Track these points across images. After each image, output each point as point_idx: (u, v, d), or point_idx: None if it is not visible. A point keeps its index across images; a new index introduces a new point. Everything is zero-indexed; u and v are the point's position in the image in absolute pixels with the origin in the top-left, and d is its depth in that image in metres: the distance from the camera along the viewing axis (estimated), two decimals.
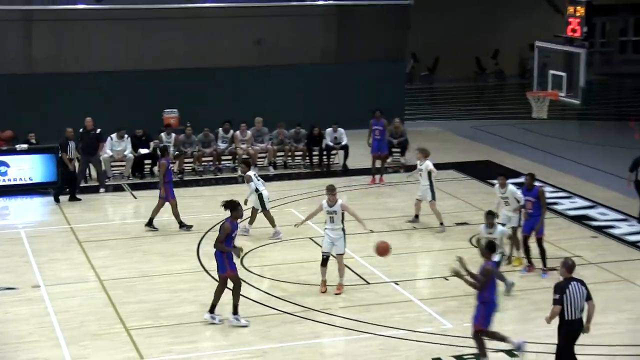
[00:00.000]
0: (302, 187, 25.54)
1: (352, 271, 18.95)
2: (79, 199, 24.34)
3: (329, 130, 28.07)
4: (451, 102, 40.62)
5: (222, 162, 27.74)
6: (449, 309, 17.07)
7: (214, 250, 16.28)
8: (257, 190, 21.00)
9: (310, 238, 21.02)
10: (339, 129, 28.04)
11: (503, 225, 18.39)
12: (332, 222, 17.73)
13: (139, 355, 15.21)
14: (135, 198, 24.88)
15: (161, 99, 30.15)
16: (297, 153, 28.35)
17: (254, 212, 21.22)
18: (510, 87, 44.32)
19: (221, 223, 16.77)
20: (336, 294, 17.75)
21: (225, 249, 16.11)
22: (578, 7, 25.33)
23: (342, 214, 17.78)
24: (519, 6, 43.81)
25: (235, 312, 16.31)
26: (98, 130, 25.53)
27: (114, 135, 26.42)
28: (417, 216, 22.30)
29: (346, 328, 16.21)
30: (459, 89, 43.57)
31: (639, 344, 15.57)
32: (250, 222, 21.27)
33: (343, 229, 17.80)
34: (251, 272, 18.96)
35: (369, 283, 18.37)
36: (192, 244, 20.87)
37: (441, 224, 21.58)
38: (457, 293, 17.76)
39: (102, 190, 25.37)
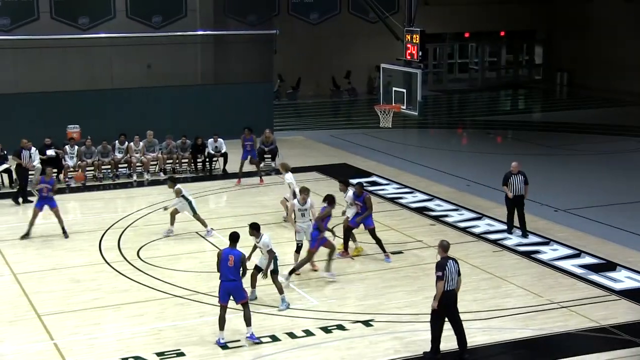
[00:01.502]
0: (189, 190, 25.16)
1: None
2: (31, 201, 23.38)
3: (210, 140, 27.85)
4: (313, 115, 40.78)
5: (119, 169, 27.22)
6: (314, 288, 17.13)
7: (311, 226, 17.52)
8: (186, 198, 20.55)
9: (196, 232, 20.79)
10: (219, 139, 27.85)
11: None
12: (303, 217, 18.03)
13: (50, 337, 14.82)
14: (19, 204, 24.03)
15: (65, 116, 29.40)
16: (183, 160, 28.01)
17: (173, 215, 20.71)
18: (361, 102, 44.72)
19: (323, 207, 17.74)
20: (315, 270, 17.96)
21: (322, 228, 17.21)
22: (414, 35, 25.82)
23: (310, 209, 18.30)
24: (366, 34, 44.31)
25: (290, 272, 17.12)
26: None
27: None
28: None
29: (232, 308, 16.08)
30: (318, 104, 43.79)
31: (469, 311, 15.84)
32: (172, 224, 20.77)
33: (311, 221, 18.05)
34: (147, 262, 18.66)
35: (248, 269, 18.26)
36: (94, 240, 20.41)
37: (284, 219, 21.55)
38: (320, 275, 17.88)
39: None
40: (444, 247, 13.98)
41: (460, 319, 13.96)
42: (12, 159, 24.58)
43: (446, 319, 13.89)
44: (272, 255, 15.91)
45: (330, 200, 17.83)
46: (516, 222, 20.58)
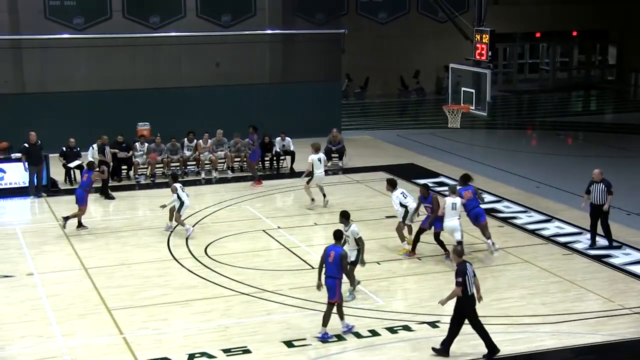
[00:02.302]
0: (256, 188, 25.46)
1: (300, 258, 18.95)
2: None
3: (277, 139, 28.00)
4: (380, 115, 40.73)
5: (188, 167, 27.53)
6: (380, 288, 17.11)
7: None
8: (179, 198, 20.66)
9: (263, 230, 20.93)
10: (287, 137, 27.97)
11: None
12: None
13: (119, 331, 15.06)
14: (114, 198, 24.52)
15: (135, 114, 29.83)
16: None
17: (172, 212, 20.89)
18: (429, 102, 44.53)
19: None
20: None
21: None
22: (484, 35, 25.55)
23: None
24: (435, 33, 44.07)
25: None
26: (39, 142, 24.88)
27: (94, 145, 26.03)
28: (313, 199, 22.92)
29: (295, 306, 16.18)
30: (386, 104, 43.71)
31: (537, 314, 15.71)
32: (171, 220, 20.99)
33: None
34: (214, 259, 18.85)
35: (313, 268, 18.34)
36: (163, 236, 20.68)
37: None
38: (387, 275, 17.87)
39: (41, 195, 24.47)
40: (458, 252, 14.07)
41: (480, 322, 13.88)
42: (99, 156, 25.06)
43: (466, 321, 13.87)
44: (361, 244, 16.22)
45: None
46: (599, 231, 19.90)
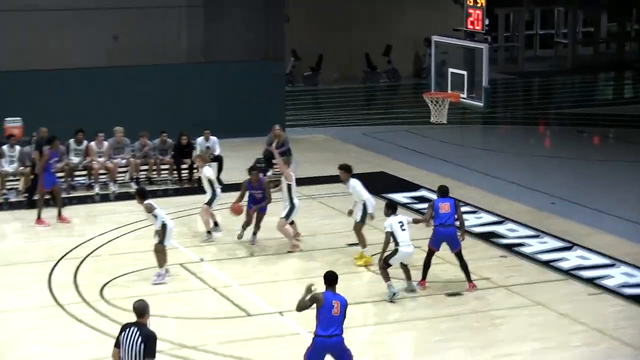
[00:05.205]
0: (170, 206, 25.43)
1: (231, 302, 19.04)
2: None
3: (199, 139, 28.08)
4: (339, 106, 40.93)
5: (75, 179, 27.47)
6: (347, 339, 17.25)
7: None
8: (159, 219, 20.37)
9: (180, 264, 20.99)
10: (212, 137, 28.05)
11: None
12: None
13: None
14: None
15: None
16: (163, 166, 28.24)
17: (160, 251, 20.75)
18: (405, 88, 44.87)
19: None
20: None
21: None
22: None
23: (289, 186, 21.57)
24: None
25: None
26: None
27: None
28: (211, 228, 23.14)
29: None
30: (347, 91, 43.93)
31: None
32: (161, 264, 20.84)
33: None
34: (114, 305, 18.84)
35: (249, 315, 18.46)
36: (42, 274, 20.63)
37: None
38: (347, 324, 18.00)
39: None
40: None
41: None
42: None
43: None
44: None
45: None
46: None
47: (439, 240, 19.57)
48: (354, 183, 21.26)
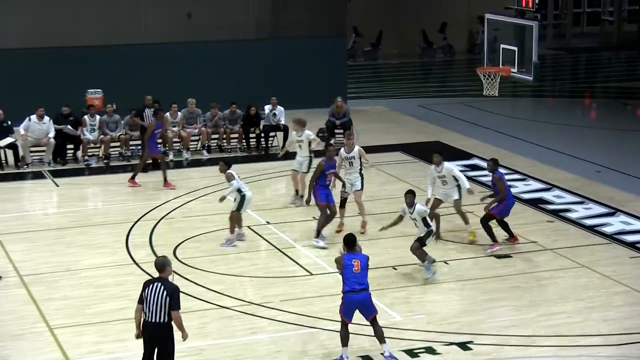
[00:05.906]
0: (239, 173, 25.40)
1: (295, 262, 19.01)
2: None
3: (267, 107, 28.02)
4: (397, 80, 40.76)
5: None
6: (397, 300, 17.16)
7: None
8: (240, 191, 20.11)
9: (248, 226, 20.95)
10: (279, 106, 27.96)
11: (441, 201, 20.44)
12: (351, 167, 20.76)
13: (64, 356, 15.11)
14: (57, 186, 24.63)
15: (82, 79, 29.82)
16: (232, 135, 28.25)
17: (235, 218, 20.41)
18: (459, 63, 44.56)
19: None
20: (361, 233, 20.13)
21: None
22: None
23: (360, 158, 20.78)
24: None
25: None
26: None
27: (33, 116, 26.10)
28: (297, 191, 22.73)
29: (288, 323, 16.24)
30: (404, 65, 43.74)
31: (598, 334, 15.75)
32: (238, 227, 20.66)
33: (361, 172, 20.86)
34: (185, 264, 18.90)
35: (312, 274, 18.42)
36: (120, 234, 20.74)
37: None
38: (405, 283, 17.92)
39: None
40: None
41: None
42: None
43: None
44: (436, 220, 18.95)
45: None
46: None
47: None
48: (450, 166, 20.51)
